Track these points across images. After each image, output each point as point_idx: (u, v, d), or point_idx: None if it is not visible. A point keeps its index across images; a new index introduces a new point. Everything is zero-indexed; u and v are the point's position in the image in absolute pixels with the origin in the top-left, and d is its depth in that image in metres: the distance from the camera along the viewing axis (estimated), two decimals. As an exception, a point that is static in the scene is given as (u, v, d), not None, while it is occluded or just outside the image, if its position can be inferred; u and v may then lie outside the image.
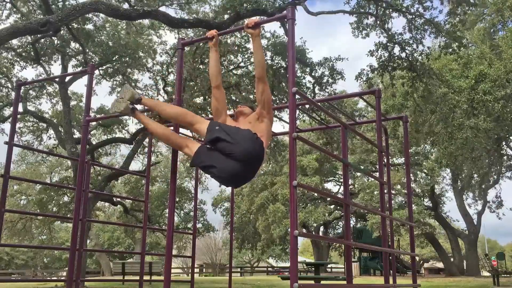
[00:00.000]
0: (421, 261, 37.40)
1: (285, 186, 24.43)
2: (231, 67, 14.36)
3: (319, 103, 3.99)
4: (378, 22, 12.85)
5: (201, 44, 12.28)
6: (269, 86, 13.07)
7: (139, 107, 3.58)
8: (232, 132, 3.04)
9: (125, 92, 3.47)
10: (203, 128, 3.16)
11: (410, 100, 15.56)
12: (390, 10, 12.57)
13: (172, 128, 3.44)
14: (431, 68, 13.96)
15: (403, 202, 22.74)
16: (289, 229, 2.60)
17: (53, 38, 13.40)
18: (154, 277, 14.59)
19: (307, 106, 10.42)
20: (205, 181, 26.14)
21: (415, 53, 13.03)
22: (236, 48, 13.49)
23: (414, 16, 12.56)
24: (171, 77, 15.92)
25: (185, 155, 3.28)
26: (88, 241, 24.70)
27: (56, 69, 22.39)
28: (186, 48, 11.82)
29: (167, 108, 3.37)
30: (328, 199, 25.52)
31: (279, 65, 13.61)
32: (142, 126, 15.98)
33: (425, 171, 23.53)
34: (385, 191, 4.22)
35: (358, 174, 24.82)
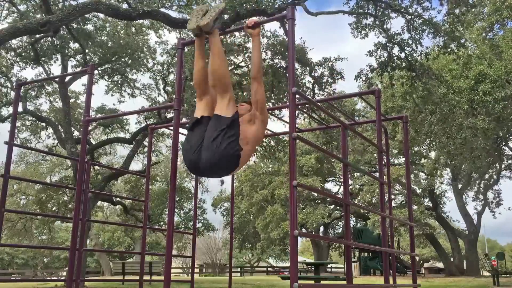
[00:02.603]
0: (421, 261, 37.40)
1: (282, 185, 24.40)
2: (231, 67, 14.36)
3: (319, 103, 3.99)
4: (377, 22, 12.85)
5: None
6: (269, 86, 13.00)
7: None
8: (209, 133, 3.03)
9: (211, 12, 3.12)
10: (228, 103, 3.05)
11: (409, 101, 15.57)
12: (389, 10, 12.57)
13: None
14: (430, 68, 13.97)
15: (404, 202, 22.75)
16: (287, 231, 2.60)
17: (53, 38, 13.40)
18: (154, 277, 14.58)
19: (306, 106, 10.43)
20: (204, 182, 26.16)
21: (414, 53, 13.04)
22: (236, 48, 13.49)
23: (412, 17, 12.57)
24: (172, 77, 15.93)
25: (222, 100, 3.07)
26: (88, 241, 24.70)
27: (55, 69, 22.42)
28: (187, 48, 11.81)
29: (222, 59, 3.14)
30: (328, 199, 25.51)
31: (279, 65, 13.61)
32: (142, 126, 16.03)
33: (425, 171, 23.54)
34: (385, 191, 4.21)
35: (357, 174, 24.77)
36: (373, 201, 20.38)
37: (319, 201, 26.28)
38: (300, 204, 25.94)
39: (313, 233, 28.85)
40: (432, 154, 22.88)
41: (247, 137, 3.08)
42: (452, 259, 26.16)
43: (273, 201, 25.83)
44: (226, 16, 11.12)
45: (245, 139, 3.06)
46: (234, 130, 3.01)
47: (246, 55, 13.91)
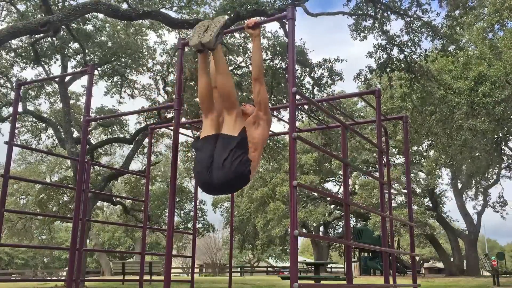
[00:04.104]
0: (421, 261, 37.42)
1: (284, 183, 24.40)
2: (231, 67, 14.36)
3: (319, 103, 3.99)
4: (376, 24, 12.85)
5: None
6: (268, 87, 13.04)
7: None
8: (219, 153, 2.98)
9: (212, 28, 3.04)
10: (235, 121, 3.05)
11: (409, 102, 15.56)
12: (389, 12, 12.57)
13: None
14: (429, 70, 13.97)
15: (404, 202, 22.75)
16: (288, 229, 2.61)
17: (53, 38, 13.41)
18: (154, 277, 14.58)
19: (306, 106, 10.42)
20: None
21: (414, 55, 13.04)
22: (236, 48, 13.51)
23: (412, 19, 12.57)
24: (171, 77, 15.93)
25: (226, 116, 3.05)
26: (88, 241, 24.70)
27: (55, 69, 22.45)
28: (187, 49, 11.80)
29: (228, 76, 3.10)
30: (328, 199, 25.52)
31: (278, 65, 13.60)
32: (142, 126, 16.02)
33: (424, 171, 23.54)
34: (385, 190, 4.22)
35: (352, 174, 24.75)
36: (373, 201, 20.36)
37: (320, 200, 26.29)
38: (301, 203, 25.94)
39: (313, 233, 28.84)
40: (432, 154, 22.87)
41: (254, 142, 3.07)
42: (452, 259, 26.16)
43: (274, 199, 25.83)
44: (226, 17, 11.12)
45: (252, 146, 3.06)
46: (244, 148, 2.99)
47: (246, 56, 13.92)
